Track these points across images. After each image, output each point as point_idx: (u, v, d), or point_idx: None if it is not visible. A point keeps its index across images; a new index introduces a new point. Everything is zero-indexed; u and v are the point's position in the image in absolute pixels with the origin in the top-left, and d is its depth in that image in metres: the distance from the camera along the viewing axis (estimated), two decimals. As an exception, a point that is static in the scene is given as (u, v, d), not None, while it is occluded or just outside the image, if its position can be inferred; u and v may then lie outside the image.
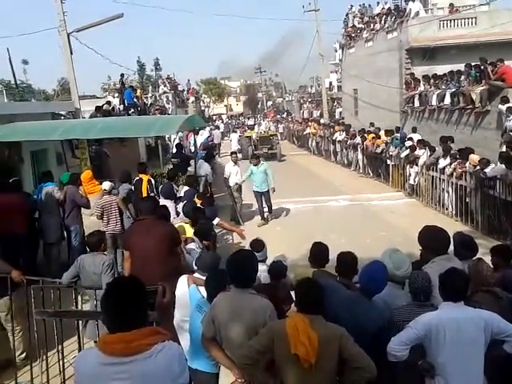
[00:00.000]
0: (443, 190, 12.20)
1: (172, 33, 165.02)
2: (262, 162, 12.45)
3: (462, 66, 15.87)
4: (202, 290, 4.04)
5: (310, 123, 30.09)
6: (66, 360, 4.89)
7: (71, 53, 15.51)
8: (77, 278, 5.28)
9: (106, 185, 8.48)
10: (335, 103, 34.29)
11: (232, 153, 13.57)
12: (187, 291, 4.17)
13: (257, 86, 71.67)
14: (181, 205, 7.89)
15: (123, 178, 8.94)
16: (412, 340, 3.32)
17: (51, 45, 29.67)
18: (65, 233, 8.64)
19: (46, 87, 34.25)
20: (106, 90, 33.81)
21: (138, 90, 26.25)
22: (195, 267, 4.49)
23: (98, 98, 24.63)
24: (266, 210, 12.40)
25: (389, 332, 3.45)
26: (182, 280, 4.34)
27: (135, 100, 22.05)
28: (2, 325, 5.47)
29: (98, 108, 16.71)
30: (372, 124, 20.58)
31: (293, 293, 4.31)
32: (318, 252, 4.40)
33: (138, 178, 9.18)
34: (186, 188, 9.34)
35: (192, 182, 9.78)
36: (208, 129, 26.36)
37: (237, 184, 12.29)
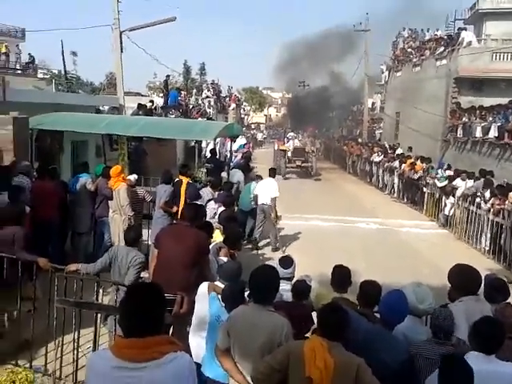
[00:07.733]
0: (479, 224, 11.86)
1: (220, 39, 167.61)
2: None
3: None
4: (222, 298, 4.03)
5: (347, 141, 29.87)
6: (80, 350, 4.94)
7: (121, 50, 15.89)
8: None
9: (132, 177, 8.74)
10: (375, 124, 33.99)
11: (271, 169, 11.91)
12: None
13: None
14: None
15: (165, 179, 8.76)
16: None
17: (102, 38, 30.39)
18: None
19: (94, 80, 34.99)
20: (151, 89, 34.41)
21: (183, 92, 26.64)
22: (217, 276, 4.48)
23: (142, 95, 25.10)
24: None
25: (411, 367, 3.32)
26: (203, 286, 4.34)
27: (179, 101, 22.36)
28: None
29: (140, 105, 17.01)
30: (410, 148, 20.21)
31: (313, 314, 4.24)
32: (340, 275, 4.29)
33: (178, 179, 8.99)
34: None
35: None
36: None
37: (264, 204, 10.80)
